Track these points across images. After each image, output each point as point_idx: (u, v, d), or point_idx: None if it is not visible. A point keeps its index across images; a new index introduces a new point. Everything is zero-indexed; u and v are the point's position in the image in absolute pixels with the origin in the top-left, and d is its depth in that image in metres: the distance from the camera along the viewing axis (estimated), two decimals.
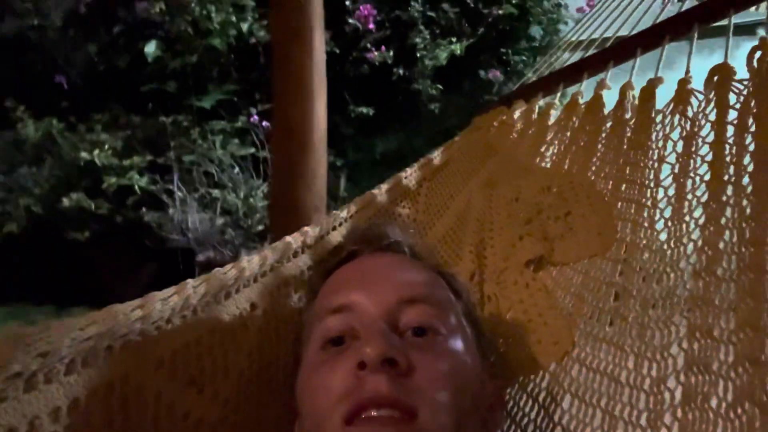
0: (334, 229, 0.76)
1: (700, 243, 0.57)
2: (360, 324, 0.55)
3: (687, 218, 0.60)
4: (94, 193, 3.25)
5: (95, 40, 3.60)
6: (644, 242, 0.64)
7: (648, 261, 0.63)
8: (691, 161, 0.63)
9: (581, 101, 0.88)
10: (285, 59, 1.84)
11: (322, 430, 0.51)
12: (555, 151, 0.89)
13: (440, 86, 3.41)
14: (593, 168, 0.78)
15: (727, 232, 0.55)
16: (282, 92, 1.87)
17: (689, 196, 0.61)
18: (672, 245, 0.60)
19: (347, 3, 3.35)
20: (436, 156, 0.99)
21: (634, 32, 0.85)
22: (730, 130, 0.60)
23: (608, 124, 0.80)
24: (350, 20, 3.36)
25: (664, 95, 0.72)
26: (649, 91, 0.74)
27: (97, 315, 0.48)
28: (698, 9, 0.75)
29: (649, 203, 0.66)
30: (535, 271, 0.76)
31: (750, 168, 0.56)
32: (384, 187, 0.88)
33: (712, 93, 0.64)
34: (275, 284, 0.67)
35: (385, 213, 0.86)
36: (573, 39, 1.08)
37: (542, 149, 0.90)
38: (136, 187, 3.17)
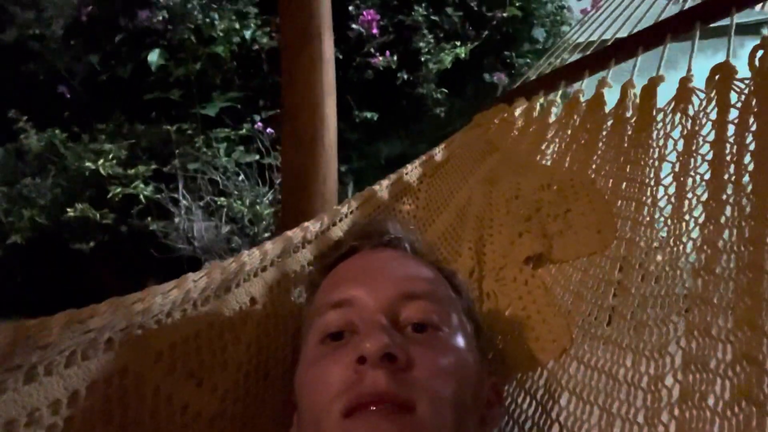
0: (334, 224, 0.76)
1: (699, 241, 0.57)
2: (360, 319, 0.55)
3: (687, 217, 0.60)
4: (98, 203, 3.21)
5: (97, 50, 3.57)
6: (644, 240, 0.64)
7: (647, 259, 0.63)
8: (692, 160, 0.63)
9: (582, 99, 0.88)
10: (294, 65, 1.83)
11: (321, 423, 0.51)
12: (555, 148, 0.89)
13: (445, 90, 3.39)
14: (593, 166, 0.78)
15: (727, 231, 0.54)
16: (291, 98, 1.86)
17: (689, 195, 0.61)
18: (671, 243, 0.60)
19: (351, 8, 3.33)
20: (438, 152, 0.99)
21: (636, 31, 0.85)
22: (731, 129, 0.60)
23: (609, 123, 0.79)
24: (354, 25, 3.34)
25: (665, 94, 0.72)
26: (650, 90, 0.74)
27: (98, 308, 0.48)
28: (700, 7, 0.75)
29: (649, 201, 0.66)
30: (534, 269, 0.76)
31: (750, 167, 0.56)
32: (385, 183, 0.88)
33: (713, 92, 0.64)
34: (275, 279, 0.67)
35: (386, 209, 0.87)
36: (575, 40, 1.08)
37: (543, 147, 0.90)
38: (141, 196, 3.14)
